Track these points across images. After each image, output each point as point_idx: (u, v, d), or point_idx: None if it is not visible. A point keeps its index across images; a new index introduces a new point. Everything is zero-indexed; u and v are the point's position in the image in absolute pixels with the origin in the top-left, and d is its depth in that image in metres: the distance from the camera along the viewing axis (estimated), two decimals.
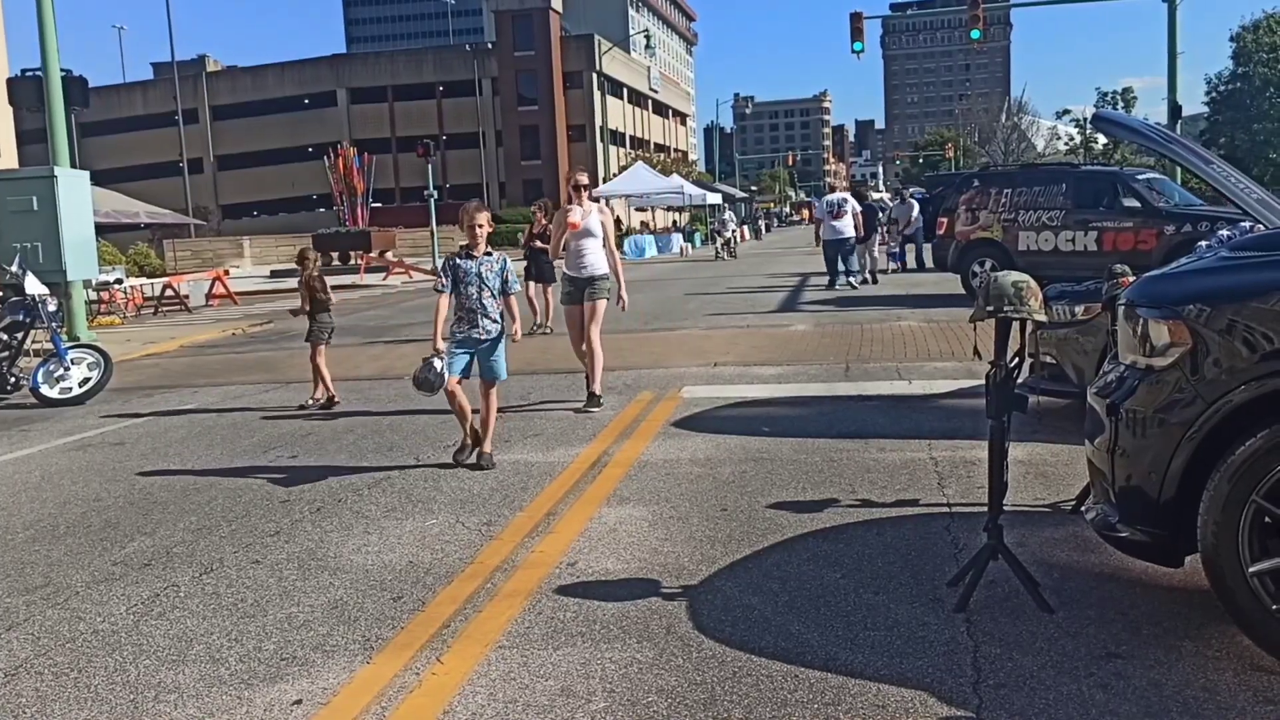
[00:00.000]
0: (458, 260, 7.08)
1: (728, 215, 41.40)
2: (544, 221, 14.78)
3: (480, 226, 7.10)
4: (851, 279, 21.11)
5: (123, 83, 78.36)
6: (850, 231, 20.89)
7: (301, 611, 4.58)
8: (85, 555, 5.59)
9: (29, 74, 17.89)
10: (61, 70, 17.24)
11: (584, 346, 9.12)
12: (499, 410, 7.59)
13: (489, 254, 7.15)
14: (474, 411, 7.26)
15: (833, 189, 25.46)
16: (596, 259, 9.16)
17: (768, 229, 67.51)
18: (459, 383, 7.08)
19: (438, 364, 6.96)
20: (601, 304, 9.18)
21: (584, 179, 9.18)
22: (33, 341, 12.39)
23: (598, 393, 8.94)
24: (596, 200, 9.11)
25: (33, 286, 11.47)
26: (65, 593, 5.00)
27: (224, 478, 7.28)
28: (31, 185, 15.91)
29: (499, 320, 7.15)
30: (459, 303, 7.07)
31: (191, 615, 4.60)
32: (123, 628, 4.50)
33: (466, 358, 7.10)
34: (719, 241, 39.62)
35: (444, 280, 7.10)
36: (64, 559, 5.55)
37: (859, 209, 21.71)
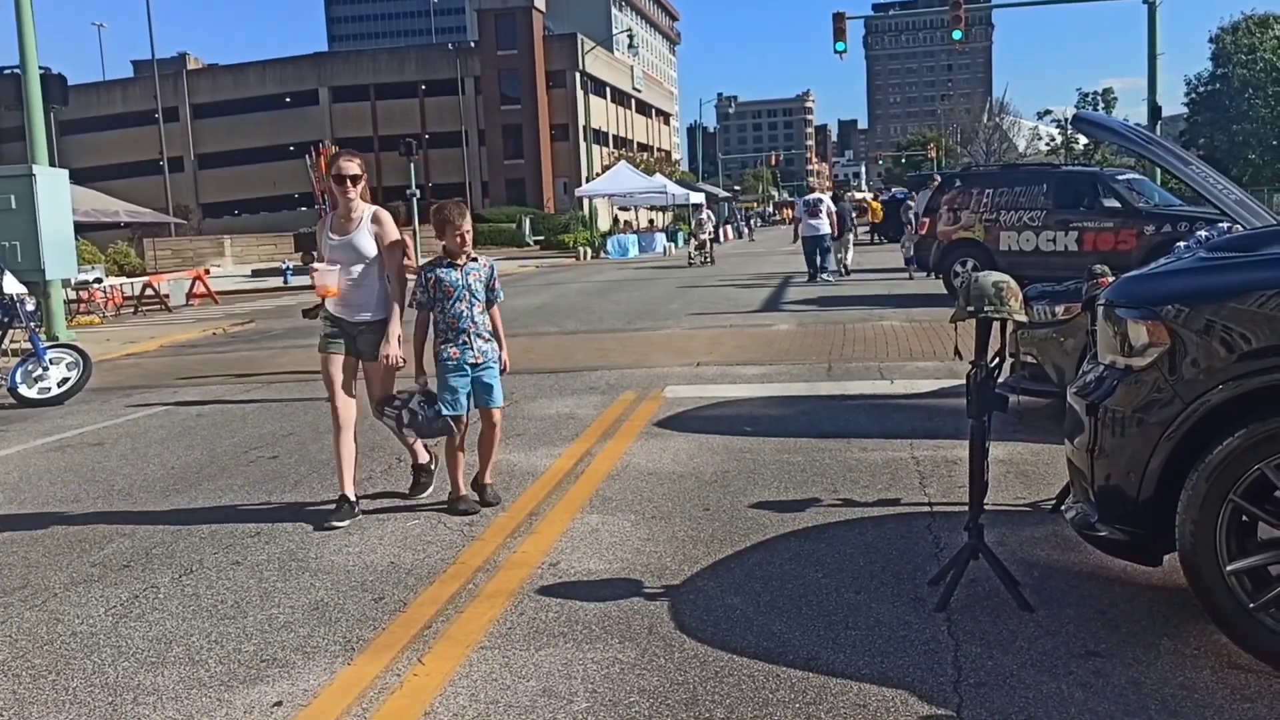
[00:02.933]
0: (439, 271, 5.95)
1: (705, 215, 36.70)
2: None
3: (468, 232, 5.99)
4: (827, 276, 22.44)
5: (102, 80, 77.74)
6: (826, 229, 22.47)
7: (282, 613, 4.56)
8: (63, 557, 5.55)
9: (7, 71, 17.77)
10: (40, 68, 17.14)
11: (345, 429, 6.10)
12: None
13: (474, 260, 6.07)
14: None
15: (812, 189, 26.23)
16: (367, 294, 6.03)
17: (751, 231, 67.21)
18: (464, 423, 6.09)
19: (430, 406, 5.92)
20: (390, 368, 6.20)
21: (354, 167, 6.03)
22: (11, 341, 12.29)
23: (350, 496, 6.04)
24: (376, 203, 6.30)
25: (11, 286, 11.38)
26: (43, 594, 4.96)
27: (204, 479, 7.24)
28: (10, 184, 15.80)
29: (490, 337, 6.12)
30: (445, 323, 5.96)
31: (171, 617, 4.57)
32: (101, 629, 4.47)
33: (467, 388, 6.00)
34: (693, 244, 35.50)
35: (421, 295, 6.00)
36: (42, 560, 5.51)
37: (834, 209, 23.20)
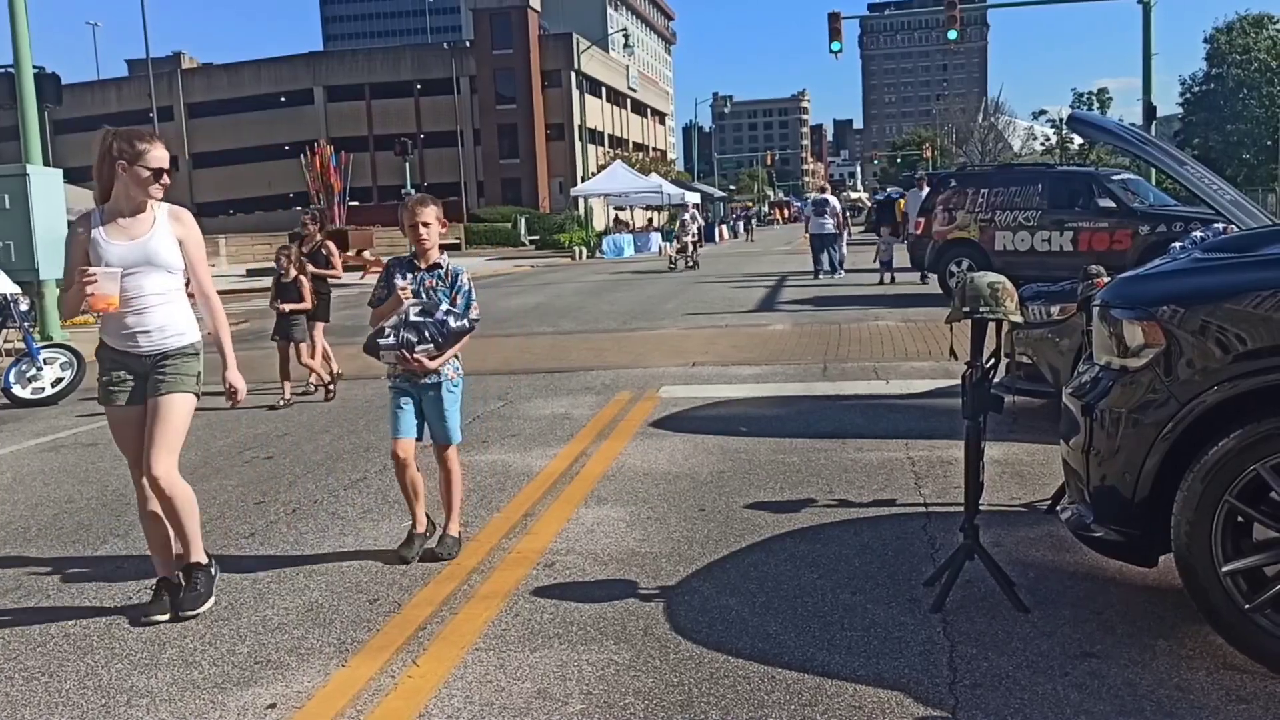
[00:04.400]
0: (396, 272, 5.23)
1: (688, 215, 33.90)
2: (319, 236, 11.34)
3: (426, 225, 5.15)
4: (829, 272, 23.44)
5: (97, 80, 77.67)
6: (832, 228, 23.55)
7: (276, 614, 4.55)
8: (57, 558, 5.53)
9: (1, 70, 17.71)
10: (34, 67, 17.08)
11: (152, 500, 4.67)
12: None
13: (437, 266, 5.23)
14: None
15: (822, 189, 27.24)
16: (168, 315, 4.59)
17: (746, 230, 66.99)
18: (414, 445, 5.26)
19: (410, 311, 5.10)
20: (180, 402, 4.59)
21: (160, 153, 4.58)
22: (5, 341, 12.27)
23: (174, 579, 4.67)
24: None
25: (4, 286, 11.36)
26: (36, 595, 4.94)
27: (198, 479, 7.21)
28: (3, 183, 15.74)
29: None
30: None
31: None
32: (95, 631, 4.45)
33: (412, 408, 5.21)
34: (674, 247, 32.73)
35: (381, 292, 5.26)
36: (35, 561, 5.49)
37: (839, 208, 24.53)
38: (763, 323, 15.51)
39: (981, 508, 4.44)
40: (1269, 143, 62.93)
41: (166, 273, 4.58)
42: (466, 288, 5.28)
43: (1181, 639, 3.83)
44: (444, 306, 5.11)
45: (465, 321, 5.17)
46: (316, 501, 6.43)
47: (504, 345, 14.19)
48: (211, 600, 4.63)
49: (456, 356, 5.28)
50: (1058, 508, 4.72)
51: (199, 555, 4.70)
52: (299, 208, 57.78)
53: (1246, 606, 3.50)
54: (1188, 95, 69.61)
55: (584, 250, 45.52)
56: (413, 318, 5.07)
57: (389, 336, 5.08)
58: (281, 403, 9.98)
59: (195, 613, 4.53)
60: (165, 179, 4.57)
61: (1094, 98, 69.01)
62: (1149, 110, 30.68)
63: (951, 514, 5.29)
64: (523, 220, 58.34)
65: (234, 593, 4.85)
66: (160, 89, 64.10)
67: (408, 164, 37.56)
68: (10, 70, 17.23)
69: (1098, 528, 3.89)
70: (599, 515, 5.82)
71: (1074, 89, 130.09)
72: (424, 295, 5.17)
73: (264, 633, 4.34)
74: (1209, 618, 3.61)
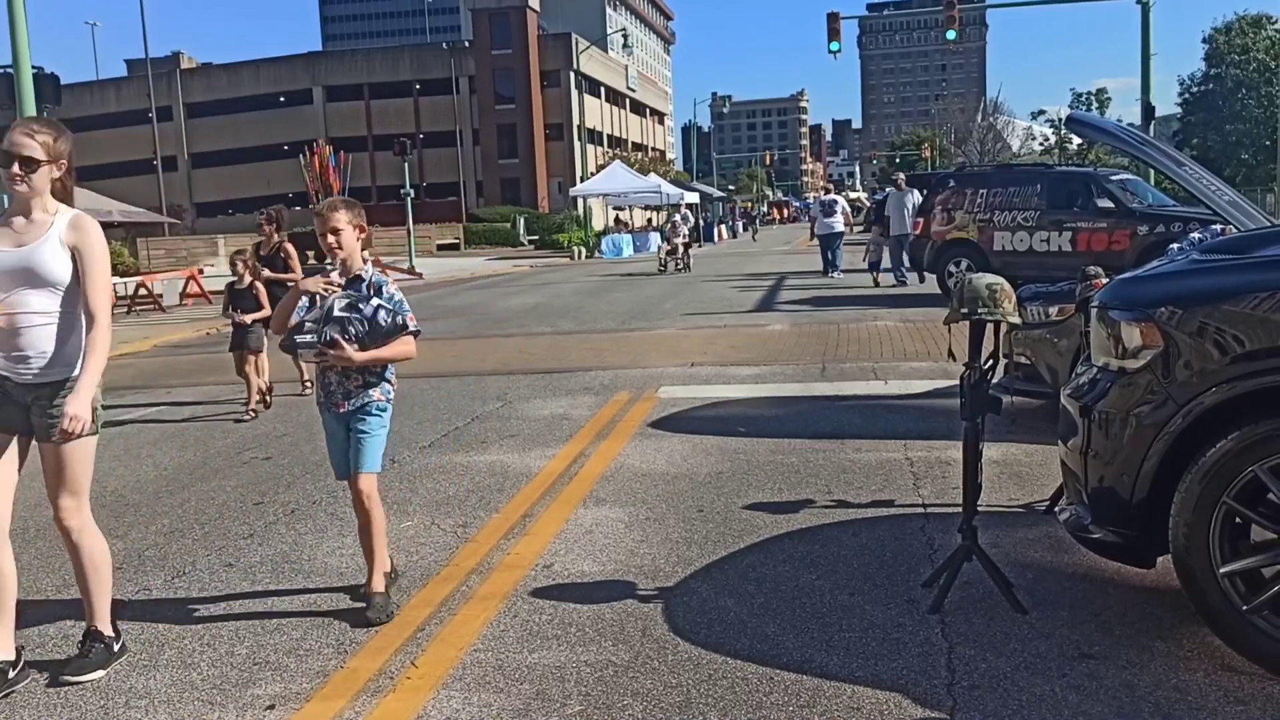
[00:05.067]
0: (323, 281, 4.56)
1: (679, 217, 32.38)
2: (277, 238, 10.82)
3: (336, 232, 4.46)
4: (837, 274, 23.74)
5: (96, 80, 77.59)
6: (841, 227, 24.17)
7: (275, 615, 4.55)
8: (55, 559, 5.53)
9: (0, 71, 17.71)
10: (33, 67, 17.07)
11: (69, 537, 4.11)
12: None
13: (358, 279, 4.53)
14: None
15: (827, 190, 27.63)
16: (52, 340, 3.91)
17: (744, 228, 67.03)
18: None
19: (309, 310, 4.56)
20: (78, 448, 3.99)
21: (33, 144, 3.89)
22: None
23: (9, 654, 3.97)
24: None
25: None
26: (34, 596, 4.94)
27: (197, 480, 7.22)
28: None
29: (376, 378, 4.57)
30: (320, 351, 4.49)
31: (163, 620, 4.56)
32: None
33: (342, 443, 4.65)
34: (664, 249, 31.00)
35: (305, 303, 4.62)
36: (34, 563, 5.49)
37: (848, 208, 25.27)
38: (761, 323, 15.51)
39: (980, 509, 4.45)
40: (1267, 143, 62.93)
41: (51, 290, 3.88)
42: (397, 298, 4.57)
43: (1179, 640, 3.84)
44: (375, 302, 4.46)
45: (399, 319, 4.49)
46: (315, 502, 6.43)
47: (503, 345, 14.20)
48: (101, 673, 3.97)
49: (389, 381, 4.64)
50: (1056, 509, 4.73)
51: (103, 622, 4.09)
52: (298, 207, 57.75)
53: (1244, 608, 3.50)
54: (1186, 95, 69.60)
55: (583, 250, 45.51)
56: (337, 313, 4.42)
57: (309, 334, 4.47)
58: (250, 414, 9.50)
59: (78, 679, 3.92)
60: (15, 168, 3.82)
61: (1093, 98, 69.04)
62: (1148, 110, 30.69)
63: (950, 515, 5.29)
64: (522, 220, 58.34)
65: (233, 594, 4.85)
66: (159, 89, 64.00)
67: (407, 164, 37.48)
68: (9, 71, 17.22)
69: (1096, 529, 3.89)
70: (598, 516, 5.82)
71: (1073, 89, 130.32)
72: (332, 309, 4.47)
73: (262, 634, 4.34)
74: (1207, 619, 3.62)
